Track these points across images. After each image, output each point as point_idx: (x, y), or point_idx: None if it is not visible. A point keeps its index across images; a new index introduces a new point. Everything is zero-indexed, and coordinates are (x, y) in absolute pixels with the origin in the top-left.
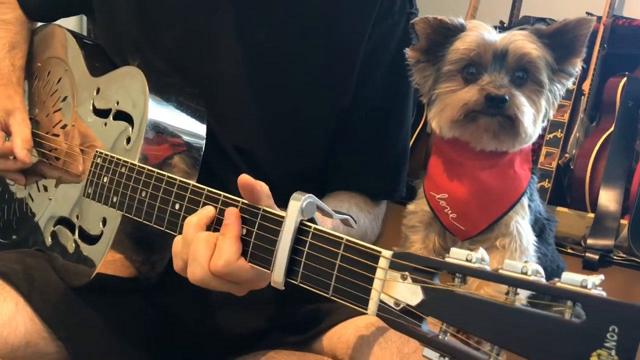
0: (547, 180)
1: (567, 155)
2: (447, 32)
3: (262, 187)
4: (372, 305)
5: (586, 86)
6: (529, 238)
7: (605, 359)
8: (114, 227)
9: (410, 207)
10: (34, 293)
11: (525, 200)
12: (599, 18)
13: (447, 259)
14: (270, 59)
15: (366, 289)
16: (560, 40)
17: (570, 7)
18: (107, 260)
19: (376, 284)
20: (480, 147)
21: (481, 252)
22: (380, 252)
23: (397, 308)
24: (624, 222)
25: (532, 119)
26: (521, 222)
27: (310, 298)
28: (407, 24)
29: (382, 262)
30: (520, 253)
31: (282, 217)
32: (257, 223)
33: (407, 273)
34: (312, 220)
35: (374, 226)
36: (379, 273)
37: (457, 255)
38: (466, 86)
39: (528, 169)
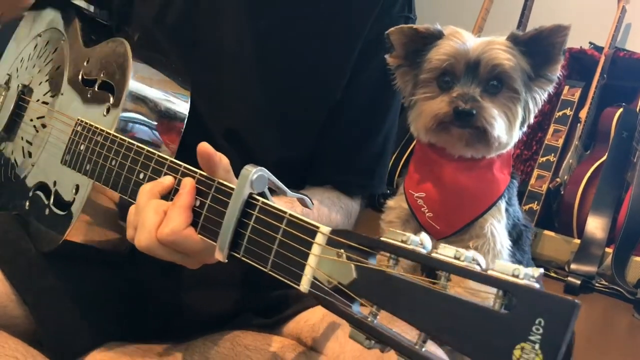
0: (536, 202)
1: (558, 179)
2: (424, 40)
3: (222, 160)
4: (305, 282)
5: (583, 114)
6: (502, 242)
7: (528, 353)
8: (84, 195)
9: (390, 202)
10: (4, 255)
11: (502, 204)
12: (601, 48)
13: (382, 239)
14: (271, 43)
15: (301, 265)
16: (537, 47)
17: (573, 35)
18: (76, 227)
19: (311, 260)
20: (456, 153)
21: (421, 237)
22: (318, 227)
23: (329, 286)
24: (609, 250)
25: (504, 128)
26: (496, 225)
27: (281, 284)
28: None
29: (319, 238)
30: (492, 256)
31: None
32: (211, 195)
33: (342, 251)
34: (262, 194)
35: (345, 223)
36: (315, 249)
37: (394, 236)
38: (441, 94)
39: (507, 173)
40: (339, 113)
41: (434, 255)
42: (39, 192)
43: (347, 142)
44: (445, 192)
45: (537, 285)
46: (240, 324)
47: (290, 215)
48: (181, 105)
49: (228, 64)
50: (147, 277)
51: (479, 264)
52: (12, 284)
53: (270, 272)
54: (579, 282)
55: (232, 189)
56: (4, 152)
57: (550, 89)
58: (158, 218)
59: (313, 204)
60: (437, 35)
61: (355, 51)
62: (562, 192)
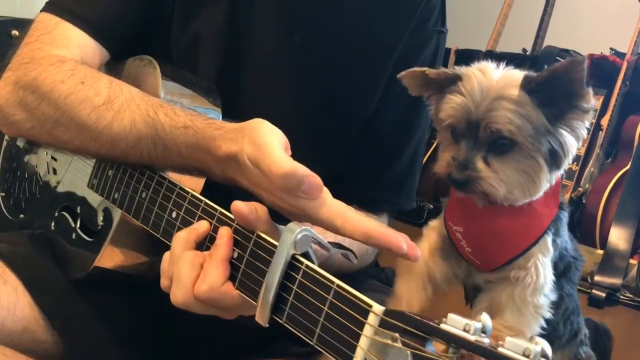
0: None
1: (580, 189)
2: (439, 82)
3: (258, 213)
4: None
5: (605, 121)
6: (547, 275)
7: None
8: (113, 224)
9: (433, 223)
10: (33, 279)
11: (548, 238)
12: (623, 54)
13: (442, 326)
14: (305, 58)
15: (351, 345)
16: (556, 86)
17: (594, 41)
18: (105, 255)
19: (362, 342)
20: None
21: (483, 320)
22: (371, 306)
23: None
24: (633, 261)
25: (517, 185)
26: (541, 259)
27: None
28: (437, 41)
29: (372, 319)
30: (533, 289)
31: (275, 246)
32: (249, 249)
33: (397, 335)
34: (306, 254)
35: None
36: (367, 330)
37: (455, 322)
38: (452, 144)
39: (555, 205)
40: (369, 128)
41: (500, 351)
42: (64, 213)
43: (376, 157)
44: (482, 231)
45: None
46: (277, 352)
47: (338, 286)
48: None
49: (262, 80)
50: None
51: (546, 357)
52: (41, 308)
53: (316, 346)
54: (603, 294)
55: (272, 244)
56: (28, 165)
57: (590, 118)
58: (194, 272)
59: (357, 257)
60: (454, 79)
61: (389, 66)
62: (584, 202)
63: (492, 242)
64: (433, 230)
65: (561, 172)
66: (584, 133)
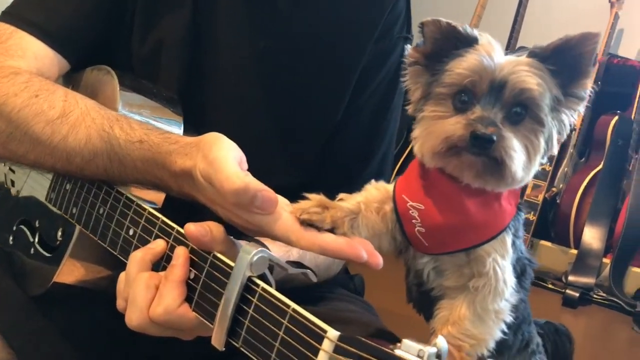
0: (532, 212)
1: (554, 189)
2: (456, 42)
3: (213, 234)
4: None
5: (578, 121)
6: (506, 279)
7: None
8: (73, 237)
9: (371, 188)
10: None
11: (507, 238)
12: None
13: (396, 352)
14: (268, 68)
15: None
16: (563, 59)
17: None
18: (65, 270)
19: None
20: (463, 182)
21: (438, 344)
22: (325, 331)
23: None
24: (606, 260)
25: (523, 163)
26: (499, 262)
27: None
28: (403, 48)
29: (326, 345)
30: (493, 296)
31: (232, 268)
32: (206, 269)
33: None
34: (262, 276)
35: None
36: (322, 356)
37: (409, 348)
38: (455, 115)
39: (515, 204)
40: (338, 134)
41: None
42: (23, 227)
43: (345, 163)
44: (447, 213)
45: None
46: None
47: (294, 310)
48: (174, 132)
49: (226, 87)
50: None
51: None
52: None
53: None
54: (577, 294)
55: (229, 266)
56: None
57: (581, 108)
58: (150, 294)
59: (316, 275)
60: (470, 41)
61: (354, 74)
62: (558, 202)
63: (454, 227)
64: (374, 194)
65: (543, 162)
66: (569, 125)
